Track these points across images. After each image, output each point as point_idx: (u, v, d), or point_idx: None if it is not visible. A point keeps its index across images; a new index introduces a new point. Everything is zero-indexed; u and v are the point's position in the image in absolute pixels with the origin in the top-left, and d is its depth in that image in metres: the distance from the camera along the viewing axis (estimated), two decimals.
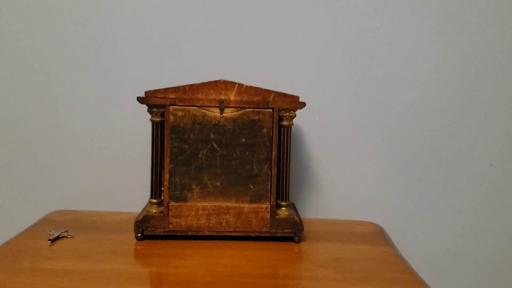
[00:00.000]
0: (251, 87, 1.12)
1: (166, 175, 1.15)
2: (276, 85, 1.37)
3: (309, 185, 1.45)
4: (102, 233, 1.22)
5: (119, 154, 1.44)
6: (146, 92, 1.12)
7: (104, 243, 1.14)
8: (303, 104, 1.13)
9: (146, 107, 1.13)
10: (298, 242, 1.17)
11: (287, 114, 1.14)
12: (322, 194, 1.45)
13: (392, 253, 1.15)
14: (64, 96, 1.42)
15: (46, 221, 1.31)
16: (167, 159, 1.14)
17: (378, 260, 1.09)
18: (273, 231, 1.17)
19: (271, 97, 1.13)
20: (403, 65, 1.41)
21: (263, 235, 1.16)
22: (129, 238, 1.17)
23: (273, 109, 1.13)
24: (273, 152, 1.15)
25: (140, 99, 1.12)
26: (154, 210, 1.16)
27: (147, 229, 1.16)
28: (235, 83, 1.12)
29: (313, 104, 1.36)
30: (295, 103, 1.13)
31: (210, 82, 1.12)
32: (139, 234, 1.16)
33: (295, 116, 1.14)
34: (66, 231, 1.21)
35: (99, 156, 1.44)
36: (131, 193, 1.44)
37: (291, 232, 1.17)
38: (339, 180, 1.45)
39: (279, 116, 1.14)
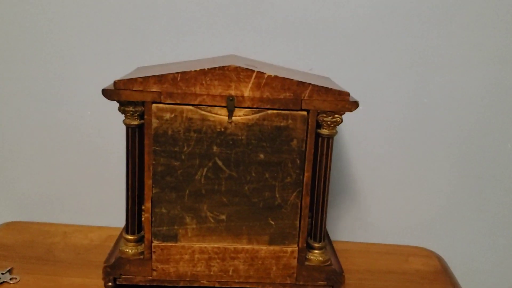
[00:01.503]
0: (276, 77, 0.73)
1: (148, 204, 0.78)
2: (306, 72, 0.97)
3: (345, 196, 1.09)
4: (60, 271, 0.88)
5: (90, 152, 1.07)
6: (115, 83, 0.74)
7: None
8: (354, 105, 0.75)
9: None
10: None
11: (330, 119, 0.75)
12: (361, 209, 1.09)
13: None
14: (22, 81, 1.03)
15: None
16: (148, 181, 0.77)
17: None
18: (301, 283, 0.81)
19: (306, 93, 0.74)
20: (484, 42, 1.01)
21: None
22: (98, 285, 0.82)
23: (308, 111, 0.75)
24: (306, 174, 0.78)
25: (106, 93, 0.74)
26: (130, 250, 0.80)
27: (121, 277, 0.81)
28: (253, 70, 0.73)
29: (355, 93, 0.97)
30: (342, 103, 0.74)
31: (214, 68, 0.73)
32: (110, 283, 0.81)
33: (341, 122, 0.76)
34: (9, 271, 0.86)
35: (64, 154, 1.07)
36: (107, 201, 1.08)
37: (326, 286, 0.82)
38: (385, 194, 1.08)
39: (317, 122, 0.76)
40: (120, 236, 0.88)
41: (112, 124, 1.02)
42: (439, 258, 1.02)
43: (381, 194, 1.08)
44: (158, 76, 0.73)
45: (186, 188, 0.77)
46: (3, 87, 1.05)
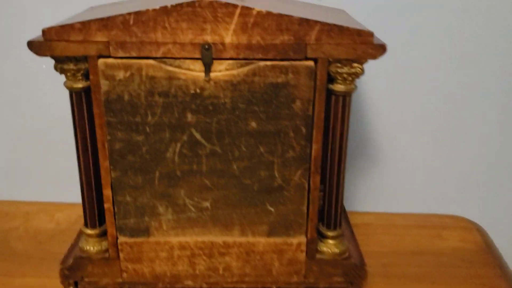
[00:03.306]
0: (269, 14, 0.52)
1: (107, 191, 0.59)
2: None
3: (363, 156, 0.89)
4: (14, 269, 0.71)
5: (53, 114, 0.88)
6: (44, 32, 0.53)
7: None
8: (380, 49, 0.53)
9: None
10: None
11: (346, 69, 0.54)
12: (384, 171, 0.90)
13: None
14: None
15: None
16: (104, 163, 0.58)
17: None
18: (312, 280, 0.64)
19: (313, 36, 0.52)
20: None
21: None
22: (59, 287, 0.66)
23: (315, 60, 0.54)
24: (314, 146, 0.58)
25: (34, 46, 0.53)
26: (92, 248, 0.63)
27: (84, 280, 0.64)
28: (235, 4, 0.51)
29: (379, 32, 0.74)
30: (363, 47, 0.53)
31: (180, 5, 0.51)
32: (71, 287, 0.64)
33: (362, 73, 0.55)
34: None
35: (22, 118, 0.88)
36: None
37: (343, 282, 0.64)
38: (412, 152, 0.88)
39: (328, 75, 0.55)
40: (78, 236, 0.70)
41: None
42: (480, 231, 0.84)
43: (407, 152, 0.88)
44: (102, 19, 0.52)
45: (155, 169, 0.58)
46: None
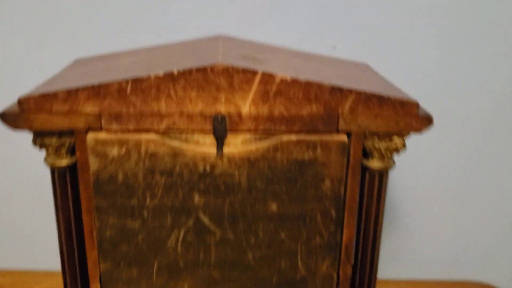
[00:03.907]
0: (295, 82, 0.43)
1: (95, 286, 0.49)
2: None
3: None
4: None
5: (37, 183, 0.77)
6: (21, 101, 0.43)
7: None
8: (426, 122, 0.45)
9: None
10: None
11: (385, 144, 0.46)
12: (405, 235, 0.81)
13: None
14: None
15: None
16: (92, 253, 0.48)
17: None
18: None
19: (346, 106, 0.44)
20: None
21: None
22: None
23: (349, 134, 0.45)
24: (346, 231, 0.49)
25: (8, 119, 0.43)
26: None
27: None
28: (255, 70, 0.42)
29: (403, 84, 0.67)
30: (407, 119, 0.44)
31: (189, 71, 0.42)
32: None
33: (403, 148, 0.46)
34: None
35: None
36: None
37: None
38: (433, 217, 0.80)
39: (364, 150, 0.46)
40: None
41: None
42: None
43: (427, 217, 0.80)
44: (93, 87, 0.42)
45: (153, 260, 0.48)
46: None
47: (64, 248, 0.49)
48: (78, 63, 0.56)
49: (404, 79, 0.66)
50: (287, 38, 0.70)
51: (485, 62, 0.72)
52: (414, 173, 0.77)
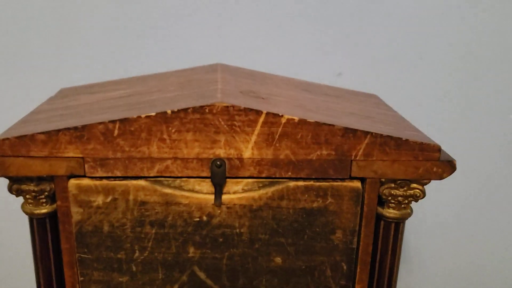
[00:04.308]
0: (304, 122, 0.38)
1: None
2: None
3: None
4: None
5: None
6: None
7: None
8: (448, 168, 0.40)
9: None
10: None
11: (403, 192, 0.41)
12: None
13: None
14: None
15: None
16: None
17: None
18: None
19: (360, 150, 0.39)
20: None
21: None
22: None
23: (363, 180, 0.40)
24: (358, 287, 0.44)
25: None
26: None
27: None
28: (258, 111, 0.38)
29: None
30: (427, 165, 0.40)
31: (185, 110, 0.37)
32: None
33: (423, 196, 0.42)
34: None
35: None
36: None
37: None
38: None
39: (379, 197, 0.41)
40: None
41: None
42: None
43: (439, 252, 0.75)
44: (76, 129, 0.38)
45: None
46: None
47: None
48: (62, 94, 0.51)
49: (413, 108, 0.62)
50: (291, 65, 0.66)
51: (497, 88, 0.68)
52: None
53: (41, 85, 0.61)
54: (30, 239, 0.42)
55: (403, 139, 0.39)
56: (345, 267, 0.43)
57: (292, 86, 0.51)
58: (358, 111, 0.46)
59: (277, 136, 0.39)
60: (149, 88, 0.48)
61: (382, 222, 0.42)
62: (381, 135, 0.39)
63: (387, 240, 0.43)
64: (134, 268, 0.42)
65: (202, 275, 0.42)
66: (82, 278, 0.42)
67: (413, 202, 0.42)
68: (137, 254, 0.41)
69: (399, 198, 0.41)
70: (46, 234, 0.41)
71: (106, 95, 0.47)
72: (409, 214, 0.42)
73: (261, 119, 0.38)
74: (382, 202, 0.42)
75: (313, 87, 0.53)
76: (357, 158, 0.39)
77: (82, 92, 0.51)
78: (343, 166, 0.40)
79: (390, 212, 0.42)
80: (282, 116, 0.38)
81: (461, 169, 0.69)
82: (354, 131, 0.39)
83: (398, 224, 0.42)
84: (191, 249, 0.41)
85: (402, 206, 0.42)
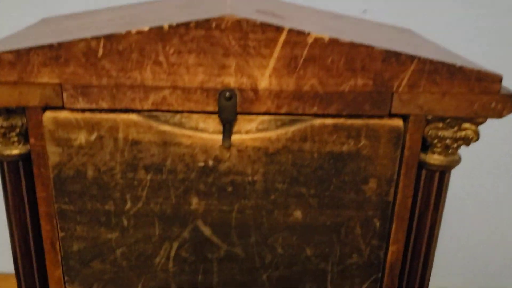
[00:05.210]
0: (334, 41, 0.30)
1: None
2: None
3: None
4: None
5: None
6: None
7: None
8: (509, 103, 0.32)
9: None
10: None
11: (453, 132, 0.34)
12: None
13: None
14: None
15: None
16: (55, 272, 0.36)
17: None
18: None
19: (405, 79, 0.32)
20: None
21: None
22: None
23: (406, 117, 0.33)
24: (392, 248, 0.37)
25: None
26: None
27: None
28: (281, 27, 0.30)
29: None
30: (485, 99, 0.32)
31: (187, 24, 0.30)
32: None
33: (476, 139, 0.34)
34: None
35: None
36: None
37: None
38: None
39: (423, 140, 0.34)
40: None
41: None
42: None
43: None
44: (51, 47, 0.30)
45: (136, 282, 0.37)
46: None
47: (20, 264, 0.37)
48: (43, 23, 0.43)
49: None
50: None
51: None
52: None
53: (22, 17, 0.53)
54: (1, 186, 0.35)
55: (457, 66, 0.32)
56: (378, 224, 0.36)
57: (316, 14, 0.43)
58: (396, 40, 0.38)
59: (301, 61, 0.31)
60: (142, 11, 0.40)
61: (423, 171, 0.35)
62: (431, 61, 0.31)
63: (429, 192, 0.36)
64: (125, 222, 0.35)
65: (206, 231, 0.35)
66: (62, 234, 0.35)
67: (463, 146, 0.34)
68: (128, 205, 0.34)
69: (447, 141, 0.34)
70: (19, 180, 0.34)
71: (92, 19, 0.40)
72: (457, 162, 0.35)
73: (282, 37, 0.30)
74: (425, 146, 0.34)
75: (340, 17, 0.45)
76: (400, 90, 0.32)
77: (66, 19, 0.43)
78: (382, 99, 0.32)
79: (435, 159, 0.34)
80: (308, 34, 0.30)
81: None
82: (398, 54, 0.31)
83: (444, 174, 0.35)
84: (194, 200, 0.34)
85: (450, 151, 0.34)
